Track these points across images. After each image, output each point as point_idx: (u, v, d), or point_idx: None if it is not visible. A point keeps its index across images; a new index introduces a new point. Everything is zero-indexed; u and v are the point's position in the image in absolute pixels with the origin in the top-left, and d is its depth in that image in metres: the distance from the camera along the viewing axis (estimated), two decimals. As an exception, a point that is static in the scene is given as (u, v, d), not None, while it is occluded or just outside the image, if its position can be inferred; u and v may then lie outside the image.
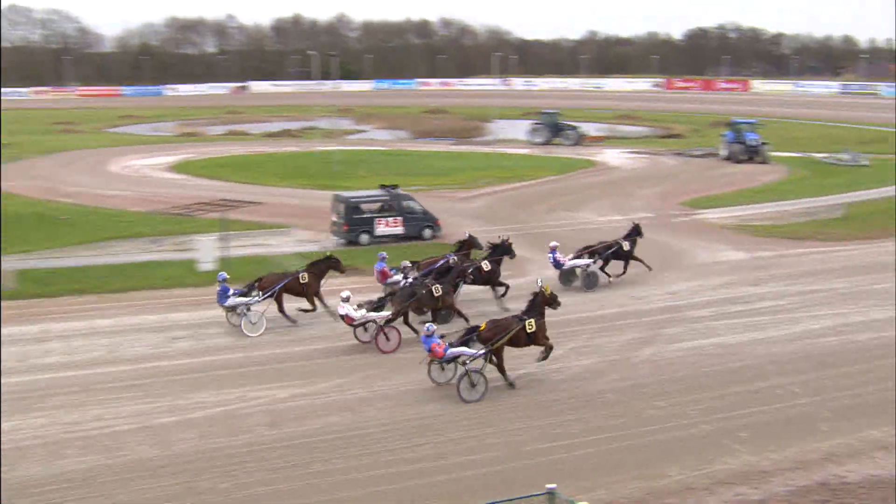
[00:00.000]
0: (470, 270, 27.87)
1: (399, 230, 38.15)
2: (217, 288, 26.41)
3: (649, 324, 26.32)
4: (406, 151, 72.36)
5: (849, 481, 16.89)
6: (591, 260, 30.59)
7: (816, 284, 30.86)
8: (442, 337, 21.46)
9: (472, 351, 21.05)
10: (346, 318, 24.25)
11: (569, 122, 79.00)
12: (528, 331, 21.39)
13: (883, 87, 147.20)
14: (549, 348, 21.69)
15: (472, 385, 20.56)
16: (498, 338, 21.04)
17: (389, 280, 28.21)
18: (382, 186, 39.78)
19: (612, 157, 67.76)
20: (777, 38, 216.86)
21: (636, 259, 31.35)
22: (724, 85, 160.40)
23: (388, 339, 24.14)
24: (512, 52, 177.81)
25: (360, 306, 24.63)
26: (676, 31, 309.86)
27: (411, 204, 38.87)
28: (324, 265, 27.61)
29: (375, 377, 22.35)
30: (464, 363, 20.96)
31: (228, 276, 26.83)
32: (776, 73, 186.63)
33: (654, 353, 23.77)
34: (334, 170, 57.43)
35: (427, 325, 21.68)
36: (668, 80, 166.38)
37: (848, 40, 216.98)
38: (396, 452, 18.14)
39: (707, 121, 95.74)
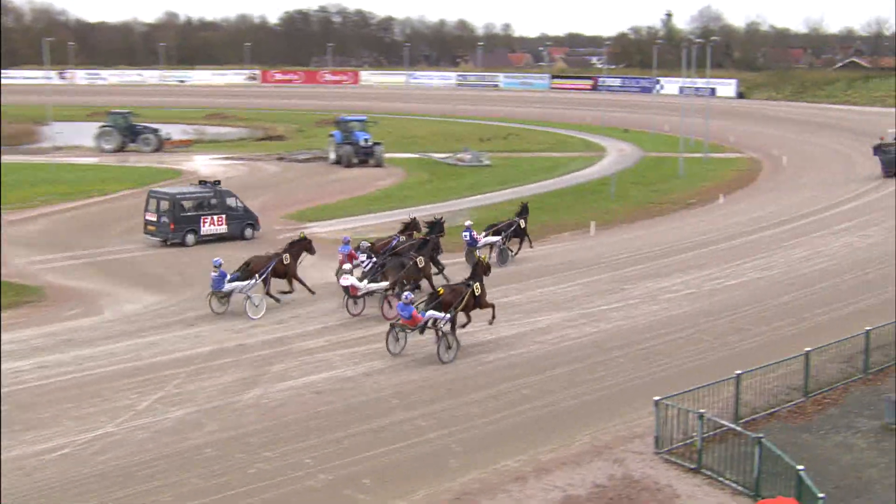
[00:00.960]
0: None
1: (223, 229, 42.71)
2: (213, 274, 30.87)
3: (253, 361, 26.53)
4: (-67, 164, 67.71)
5: (483, 520, 17.99)
6: (500, 237, 39.48)
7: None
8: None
9: (444, 315, 27.02)
10: (351, 289, 30.72)
11: (147, 124, 78.59)
12: (476, 294, 28.07)
13: (502, 78, 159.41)
14: (492, 307, 28.73)
15: (449, 346, 26.64)
16: (457, 301, 27.34)
17: (356, 262, 33.38)
18: (202, 182, 44.32)
19: (202, 164, 67.91)
20: (387, 23, 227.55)
21: (527, 235, 40.63)
22: (329, 77, 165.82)
23: (391, 306, 29.95)
24: (69, 36, 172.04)
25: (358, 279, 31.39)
26: (272, 15, 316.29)
27: (233, 201, 43.25)
28: (299, 246, 33.60)
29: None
30: (437, 328, 26.81)
31: (223, 262, 31.13)
32: (388, 63, 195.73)
33: (261, 396, 23.98)
34: None
35: (406, 293, 27.61)
36: (264, 71, 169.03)
37: (463, 26, 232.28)
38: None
39: (312, 119, 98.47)
